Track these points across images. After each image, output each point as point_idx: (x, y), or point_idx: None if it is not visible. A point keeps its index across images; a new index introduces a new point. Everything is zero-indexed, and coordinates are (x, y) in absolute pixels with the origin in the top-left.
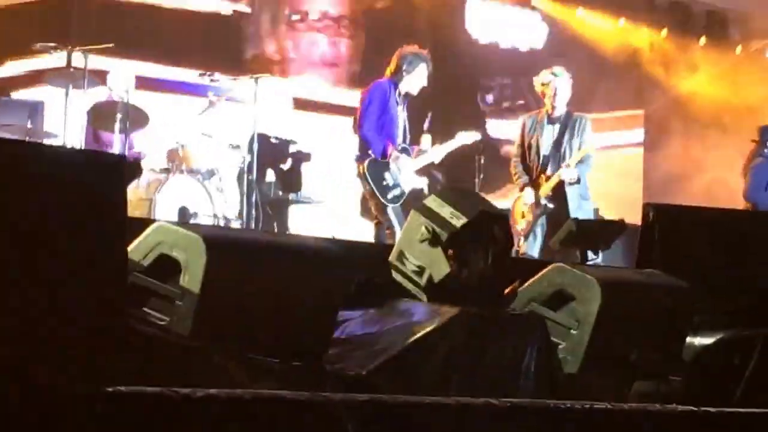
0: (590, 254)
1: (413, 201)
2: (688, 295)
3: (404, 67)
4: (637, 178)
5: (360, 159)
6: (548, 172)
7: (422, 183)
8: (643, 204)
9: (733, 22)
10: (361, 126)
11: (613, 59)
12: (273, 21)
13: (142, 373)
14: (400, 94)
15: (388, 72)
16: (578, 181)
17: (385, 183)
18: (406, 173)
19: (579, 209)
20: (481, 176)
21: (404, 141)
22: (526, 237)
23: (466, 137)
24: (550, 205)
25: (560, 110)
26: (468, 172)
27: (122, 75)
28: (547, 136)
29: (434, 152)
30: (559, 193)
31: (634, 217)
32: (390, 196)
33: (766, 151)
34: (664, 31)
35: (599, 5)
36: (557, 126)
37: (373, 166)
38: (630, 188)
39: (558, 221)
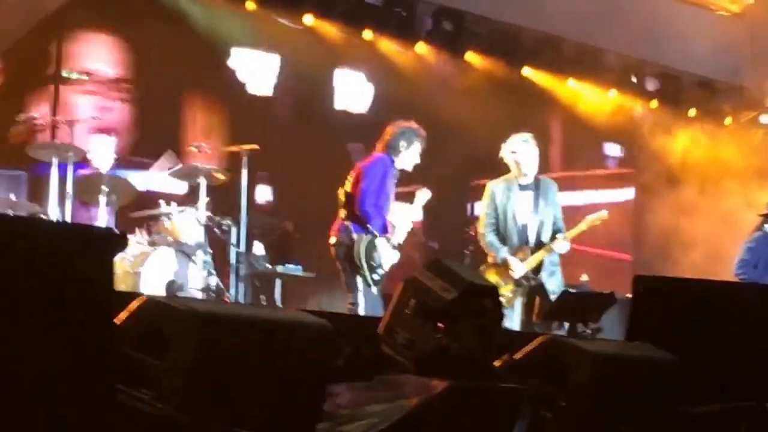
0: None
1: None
2: (677, 367)
3: (401, 144)
4: (627, 245)
5: (353, 236)
6: (531, 242)
7: (397, 256)
8: (633, 276)
9: (723, 94)
10: (363, 202)
11: (604, 127)
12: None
13: None
14: (395, 170)
15: (381, 147)
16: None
17: (374, 263)
18: (390, 251)
19: (551, 280)
20: (471, 248)
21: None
22: None
23: (423, 196)
24: (538, 277)
25: (531, 177)
26: (457, 244)
27: (103, 148)
28: (523, 203)
29: (403, 222)
30: (538, 264)
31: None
32: (376, 276)
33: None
34: (654, 102)
35: (589, 77)
36: (530, 192)
37: (368, 247)
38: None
39: (532, 293)
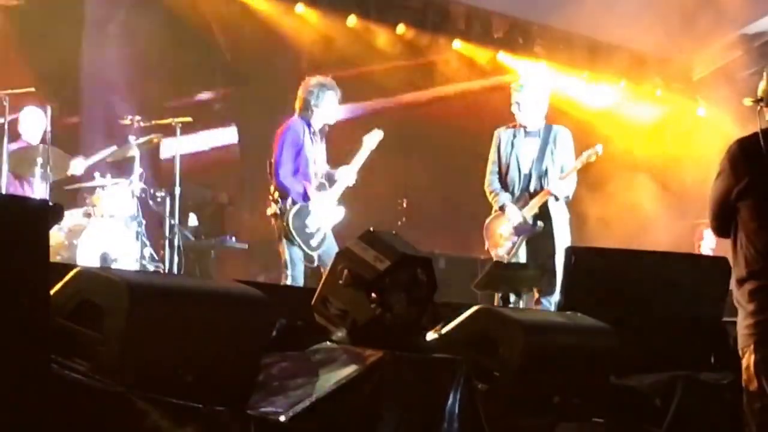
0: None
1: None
2: (609, 337)
3: (312, 102)
4: None
5: (281, 207)
6: (532, 188)
7: (341, 213)
8: (565, 247)
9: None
10: (277, 174)
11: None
12: None
13: (65, 418)
14: (314, 130)
15: (297, 107)
16: (567, 197)
17: (308, 230)
18: (326, 210)
19: (563, 229)
20: (404, 219)
21: (323, 175)
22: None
23: (372, 138)
24: (540, 224)
25: (534, 124)
26: (390, 216)
27: (34, 120)
28: (528, 150)
29: (346, 174)
30: (544, 211)
31: None
32: (314, 243)
33: None
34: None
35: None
36: (535, 139)
37: (296, 217)
38: None
39: (541, 243)
